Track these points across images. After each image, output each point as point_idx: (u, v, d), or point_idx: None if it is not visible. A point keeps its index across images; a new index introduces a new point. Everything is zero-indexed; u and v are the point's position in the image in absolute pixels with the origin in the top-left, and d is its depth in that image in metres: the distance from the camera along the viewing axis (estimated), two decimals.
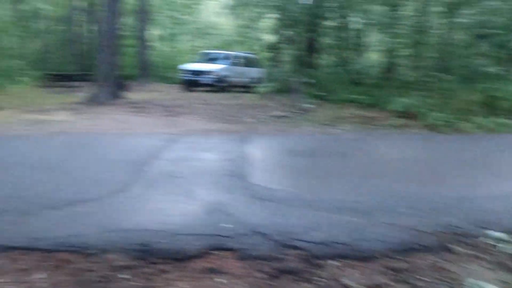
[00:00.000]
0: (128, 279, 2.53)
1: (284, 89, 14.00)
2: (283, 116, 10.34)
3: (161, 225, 3.26)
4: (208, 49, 23.64)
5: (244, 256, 2.84)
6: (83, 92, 16.38)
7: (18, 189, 4.10)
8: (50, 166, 4.98)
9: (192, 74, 18.28)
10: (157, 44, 28.22)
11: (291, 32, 17.39)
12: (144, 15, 22.09)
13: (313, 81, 13.37)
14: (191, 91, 17.92)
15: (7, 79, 20.54)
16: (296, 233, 3.16)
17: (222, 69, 18.15)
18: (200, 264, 2.75)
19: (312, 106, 11.58)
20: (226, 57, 19.58)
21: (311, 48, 16.85)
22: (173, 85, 20.38)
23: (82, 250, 2.85)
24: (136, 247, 2.89)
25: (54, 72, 23.78)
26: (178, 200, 3.88)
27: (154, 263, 2.72)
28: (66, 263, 2.71)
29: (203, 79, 17.84)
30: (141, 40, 22.30)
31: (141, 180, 4.43)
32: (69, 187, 4.19)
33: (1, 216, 3.43)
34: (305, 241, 3.03)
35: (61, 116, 9.77)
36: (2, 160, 5.26)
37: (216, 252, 2.89)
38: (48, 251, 2.86)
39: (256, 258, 2.80)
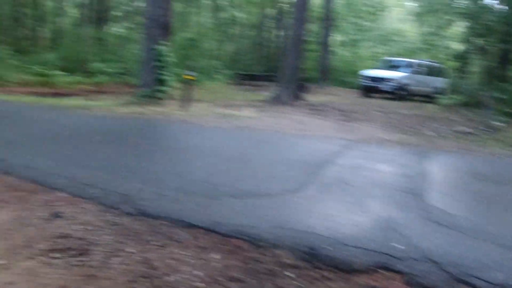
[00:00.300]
0: (292, 278, 2.62)
1: (470, 103, 12.85)
2: (468, 133, 9.35)
3: (330, 232, 3.29)
4: (390, 56, 22.92)
5: (412, 282, 2.65)
6: (267, 91, 17.72)
7: (207, 175, 4.68)
8: (234, 157, 5.55)
9: (372, 80, 18.01)
10: (338, 50, 28.76)
11: (483, 42, 15.84)
12: (328, 22, 22.72)
13: (504, 96, 11.80)
14: (369, 97, 17.68)
15: (205, 76, 23.81)
16: (473, 268, 2.81)
17: (403, 77, 17.43)
18: (364, 280, 2.67)
19: (502, 124, 10.21)
20: (409, 65, 18.67)
21: (505, 59, 15.05)
22: (351, 90, 20.40)
23: (254, 241, 3.07)
24: (304, 249, 2.98)
25: (244, 72, 26.36)
26: (349, 209, 3.86)
27: (319, 268, 2.76)
28: (239, 250, 2.97)
29: (383, 86, 17.48)
30: (324, 45, 22.98)
31: (315, 183, 4.55)
32: (249, 179, 4.59)
33: (191, 197, 3.98)
34: (483, 279, 2.68)
35: (247, 112, 10.68)
36: (198, 148, 6.10)
37: (382, 271, 2.77)
38: (225, 235, 3.18)
39: (424, 287, 2.62)
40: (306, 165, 5.28)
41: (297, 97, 13.60)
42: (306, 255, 2.89)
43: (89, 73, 18.27)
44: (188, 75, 10.17)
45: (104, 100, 12.36)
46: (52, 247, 2.98)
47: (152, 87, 10.74)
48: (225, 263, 2.77)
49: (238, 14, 30.24)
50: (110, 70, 18.04)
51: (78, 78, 17.16)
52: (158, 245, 3.04)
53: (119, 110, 9.43)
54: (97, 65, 18.04)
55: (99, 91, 16.13)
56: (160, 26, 10.74)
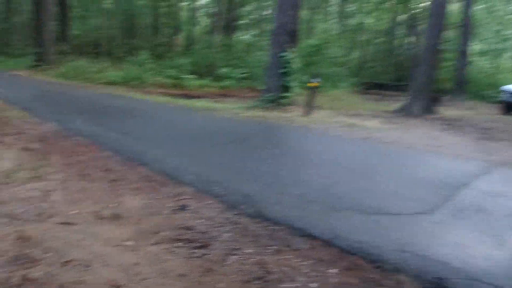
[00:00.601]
0: None
1: None
2: None
3: (461, 263, 2.98)
4: None
5: None
6: (396, 102, 17.00)
7: (328, 185, 4.63)
8: (358, 169, 5.40)
9: None
10: (476, 60, 26.34)
11: None
12: (466, 29, 20.88)
13: None
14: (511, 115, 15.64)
15: (329, 83, 23.75)
16: None
17: None
18: None
19: None
20: None
21: None
22: (490, 105, 18.40)
23: (375, 261, 2.93)
24: (430, 278, 2.76)
25: (370, 80, 25.63)
26: (484, 241, 3.46)
27: None
28: (358, 268, 2.85)
29: None
30: (461, 54, 21.15)
31: (447, 207, 4.19)
32: (373, 195, 4.42)
33: (311, 205, 3.97)
34: None
35: (372, 123, 10.23)
36: (319, 156, 6.09)
37: None
38: (344, 250, 3.09)
39: None
40: (438, 185, 4.88)
41: (429, 110, 12.73)
42: (431, 286, 2.67)
43: (217, 77, 19.53)
44: (312, 82, 10.22)
45: (230, 103, 13.08)
46: (176, 236, 3.23)
47: (276, 92, 11.04)
48: (342, 280, 2.71)
49: (367, 20, 29.58)
50: (236, 75, 19.06)
51: (206, 81, 18.50)
52: (274, 250, 3.09)
53: (243, 113, 9.88)
54: (224, 70, 19.22)
55: (225, 94, 17.16)
56: (288, 33, 11.01)
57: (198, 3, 36.76)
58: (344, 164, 5.66)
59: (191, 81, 18.00)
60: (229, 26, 25.89)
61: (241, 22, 28.39)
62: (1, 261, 2.72)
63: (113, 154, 5.47)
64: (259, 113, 10.09)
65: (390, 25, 33.62)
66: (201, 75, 19.72)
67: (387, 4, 33.94)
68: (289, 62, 10.96)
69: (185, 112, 9.78)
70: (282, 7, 11.03)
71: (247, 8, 28.59)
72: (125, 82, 16.36)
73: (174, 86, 17.43)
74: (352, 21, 29.16)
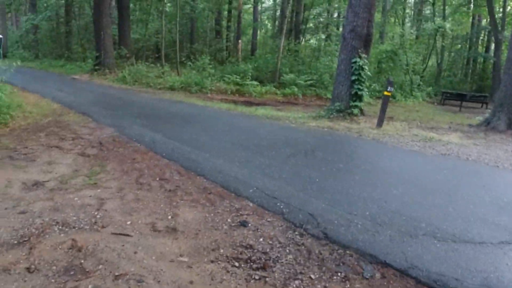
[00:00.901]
0: None
1: None
2: None
3: None
4: None
5: None
6: (476, 114, 16.03)
7: (403, 206, 4.36)
8: (436, 190, 5.06)
9: None
10: None
11: None
12: None
13: None
14: None
15: (402, 92, 23.09)
16: None
17: None
18: None
19: None
20: None
21: None
22: None
23: None
24: None
25: (448, 90, 24.54)
26: None
27: None
28: None
29: None
30: None
31: None
32: (453, 219, 4.09)
33: (384, 229, 3.73)
34: None
35: (452, 137, 9.78)
36: (392, 173, 5.80)
37: None
38: (421, 282, 2.89)
39: None
40: None
41: None
42: None
43: (281, 84, 19.53)
44: (388, 91, 9.88)
45: (294, 111, 12.99)
46: (234, 255, 3.16)
47: (345, 101, 10.80)
48: None
49: (446, 24, 28.37)
50: (301, 82, 18.94)
51: (269, 88, 18.54)
52: (342, 277, 2.96)
53: (309, 123, 9.75)
54: (289, 77, 19.17)
55: (289, 102, 17.10)
56: (361, 37, 10.74)
57: (261, 6, 37.29)
58: (420, 183, 5.34)
59: (254, 87, 18.12)
60: (295, 30, 25.89)
61: (307, 26, 28.35)
62: (53, 271, 2.78)
63: (170, 163, 5.56)
64: (326, 123, 9.90)
65: (470, 31, 32.18)
66: (263, 81, 19.83)
67: (467, 7, 32.61)
68: (361, 69, 10.68)
69: (247, 120, 9.79)
70: (354, 9, 10.78)
71: (314, 11, 28.49)
72: (185, 88, 16.80)
73: (236, 92, 17.65)
74: (429, 25, 28.07)
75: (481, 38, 33.75)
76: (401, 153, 7.23)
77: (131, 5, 27.66)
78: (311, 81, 19.54)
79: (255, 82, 18.58)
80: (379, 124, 9.96)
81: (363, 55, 10.78)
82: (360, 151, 7.30)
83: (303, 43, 26.96)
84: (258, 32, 34.13)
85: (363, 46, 10.84)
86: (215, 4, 28.20)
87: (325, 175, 5.32)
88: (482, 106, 21.84)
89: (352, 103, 10.79)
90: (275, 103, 16.46)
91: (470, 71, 32.82)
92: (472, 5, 32.13)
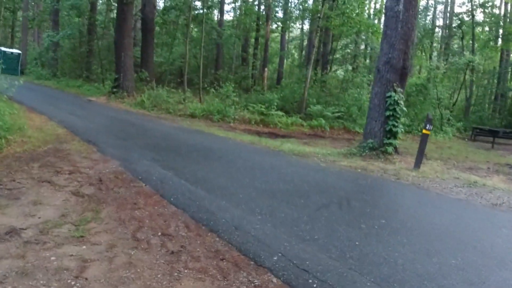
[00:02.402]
0: None
1: None
2: None
3: None
4: None
5: None
6: (509, 151, 14.89)
7: (468, 283, 3.29)
8: (501, 259, 3.95)
9: None
10: None
11: None
12: None
13: None
14: None
15: (434, 128, 21.93)
16: None
17: None
18: None
19: None
20: None
21: None
22: None
23: None
24: None
25: (479, 126, 23.58)
26: None
27: None
28: None
29: None
30: None
31: None
32: None
33: None
34: None
35: (495, 180, 8.84)
36: (447, 233, 4.68)
37: None
38: None
39: None
40: None
41: None
42: None
43: (306, 115, 18.58)
44: (427, 129, 8.80)
45: (322, 146, 12.00)
46: None
47: (379, 138, 9.74)
48: None
49: (475, 58, 27.35)
50: (328, 113, 17.96)
51: (295, 119, 17.59)
52: None
53: (340, 161, 8.69)
54: (316, 108, 18.22)
55: (316, 135, 16.11)
56: (396, 70, 9.74)
57: (289, 35, 36.84)
58: (481, 247, 4.21)
59: (279, 118, 17.19)
60: (322, 60, 25.09)
61: (335, 56, 27.57)
62: None
63: (178, 211, 4.58)
64: (358, 162, 8.84)
65: (499, 65, 31.23)
66: (289, 112, 18.92)
67: (495, 42, 31.66)
68: (396, 104, 9.64)
69: (272, 156, 8.78)
70: (390, 40, 9.82)
71: (342, 42, 27.73)
72: (207, 116, 15.97)
73: (260, 122, 16.74)
74: (458, 60, 27.13)
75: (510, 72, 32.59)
76: (447, 203, 6.12)
77: (157, 28, 27.45)
78: (339, 113, 18.54)
79: (280, 113, 17.67)
80: (417, 165, 8.85)
81: (399, 89, 9.77)
82: (402, 200, 6.19)
83: (330, 74, 26.11)
84: (285, 61, 33.47)
85: (398, 79, 9.84)
86: (243, 31, 27.69)
87: (366, 235, 4.25)
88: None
89: (386, 141, 9.72)
90: (301, 135, 15.49)
91: (499, 106, 31.66)
92: (500, 40, 31.31)
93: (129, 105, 16.67)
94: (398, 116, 9.77)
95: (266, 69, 24.86)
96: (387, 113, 9.69)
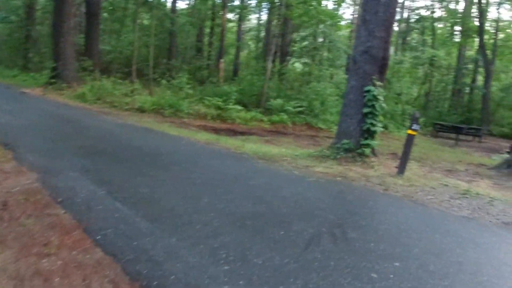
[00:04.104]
0: None
1: None
2: None
3: None
4: None
5: None
6: (474, 149, 14.41)
7: None
8: None
9: None
10: None
11: None
12: None
13: None
14: None
15: (394, 123, 21.33)
16: None
17: None
18: None
19: None
20: None
21: None
22: None
23: None
24: None
25: (440, 122, 23.39)
26: None
27: None
28: None
29: None
30: None
31: None
32: None
33: None
34: None
35: (483, 186, 8.03)
36: (452, 263, 3.47)
37: None
38: None
39: None
40: None
41: None
42: None
43: (266, 110, 17.25)
44: (413, 129, 7.67)
45: (287, 145, 10.74)
46: None
47: (355, 138, 8.54)
48: None
49: (439, 53, 27.10)
50: (290, 108, 16.67)
51: (254, 114, 16.19)
52: None
53: (314, 167, 7.40)
54: (276, 102, 16.90)
55: (278, 131, 14.81)
56: (376, 61, 8.55)
57: (245, 26, 35.38)
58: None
59: (237, 112, 15.72)
60: (281, 52, 23.76)
61: (294, 48, 26.33)
62: None
63: (107, 259, 3.09)
64: (335, 167, 7.61)
65: (457, 61, 31.33)
66: (248, 106, 17.50)
67: (453, 38, 31.75)
68: (375, 100, 8.47)
69: (234, 161, 7.33)
70: (369, 26, 8.59)
71: (302, 33, 26.44)
72: (157, 110, 14.28)
73: (217, 117, 15.22)
74: (420, 54, 26.76)
75: (470, 69, 32.75)
76: (455, 223, 4.98)
77: (106, 14, 25.24)
78: (301, 108, 17.32)
79: (239, 107, 16.22)
80: (401, 170, 7.73)
81: (378, 83, 8.60)
82: (405, 225, 4.85)
83: (289, 66, 24.89)
84: (241, 52, 31.96)
85: (377, 71, 8.67)
86: (197, 19, 25.92)
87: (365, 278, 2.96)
88: (474, 139, 21.11)
89: (363, 141, 8.53)
90: (262, 132, 14.14)
91: (456, 102, 31.79)
92: (458, 36, 31.39)
93: (69, 98, 14.58)
94: (377, 113, 8.57)
95: (222, 60, 23.24)
96: (365, 110, 8.50)
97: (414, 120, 7.75)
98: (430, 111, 28.52)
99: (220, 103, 15.90)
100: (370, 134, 8.61)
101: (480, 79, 33.36)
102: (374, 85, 8.52)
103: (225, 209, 4.38)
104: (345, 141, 8.59)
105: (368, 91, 8.47)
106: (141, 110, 13.98)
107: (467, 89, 32.43)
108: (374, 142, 8.72)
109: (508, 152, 13.15)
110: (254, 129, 14.51)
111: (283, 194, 5.29)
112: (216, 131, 12.59)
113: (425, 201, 5.93)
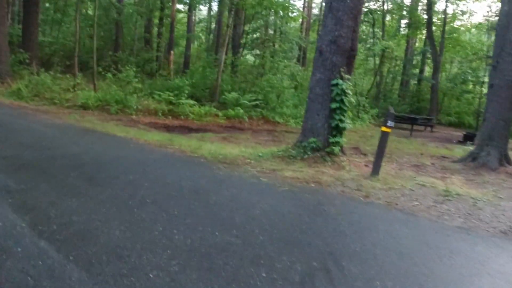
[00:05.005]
0: None
1: None
2: None
3: None
4: None
5: None
6: (426, 139, 14.06)
7: None
8: None
9: None
10: None
11: None
12: None
13: None
14: None
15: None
16: None
17: None
18: None
19: None
20: None
21: None
22: None
23: None
24: None
25: (394, 113, 23.22)
26: None
27: None
28: None
29: None
30: None
31: None
32: None
33: None
34: None
35: (457, 183, 7.33)
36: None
37: None
38: None
39: None
40: None
41: (507, 160, 9.75)
42: None
43: (221, 104, 16.16)
44: (387, 126, 6.90)
45: (246, 143, 9.76)
46: None
47: (323, 136, 7.71)
48: None
49: (390, 44, 26.98)
50: (245, 101, 15.66)
51: (208, 108, 15.05)
52: None
53: (282, 171, 6.44)
54: (231, 95, 15.84)
55: (234, 126, 13.80)
56: (344, 52, 7.73)
57: (195, 16, 33.92)
58: None
59: (190, 107, 14.53)
60: (233, 43, 22.63)
61: (246, 40, 25.27)
62: None
63: None
64: (305, 169, 6.73)
65: (406, 53, 31.63)
66: (201, 100, 16.34)
67: (404, 30, 31.95)
68: (344, 94, 7.65)
69: (192, 168, 6.21)
70: (336, 14, 7.73)
71: (253, 24, 25.41)
72: (102, 106, 12.85)
73: (168, 113, 13.96)
74: (372, 46, 26.50)
75: (416, 60, 33.09)
76: (454, 237, 4.26)
77: (47, 4, 23.13)
78: (256, 102, 16.36)
79: (192, 101, 15.03)
80: (376, 171, 6.98)
81: (346, 76, 7.79)
82: (403, 247, 4.01)
83: (242, 58, 23.83)
84: (192, 44, 30.49)
85: (345, 63, 7.85)
86: (146, 10, 24.20)
87: None
88: (425, 129, 21.20)
89: (332, 139, 7.71)
90: (218, 128, 13.08)
91: (405, 93, 32.10)
92: (405, 28, 31.58)
93: (2, 95, 12.75)
94: (345, 108, 7.80)
95: (172, 52, 21.80)
96: (333, 105, 7.67)
97: (389, 116, 6.99)
98: (382, 102, 28.44)
99: (171, 97, 14.64)
100: (339, 131, 7.81)
101: (427, 70, 33.83)
102: (342, 78, 7.72)
103: (185, 242, 3.33)
104: (312, 139, 7.74)
105: (336, 84, 7.66)
106: (84, 107, 12.50)
107: (413, 80, 32.85)
108: (343, 140, 7.94)
109: (472, 144, 12.88)
110: (209, 125, 13.42)
111: (254, 212, 4.29)
112: (168, 129, 11.41)
113: (412, 209, 5.18)
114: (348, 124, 7.92)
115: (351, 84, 7.98)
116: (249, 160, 7.12)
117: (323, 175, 6.46)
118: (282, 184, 5.66)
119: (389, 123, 6.90)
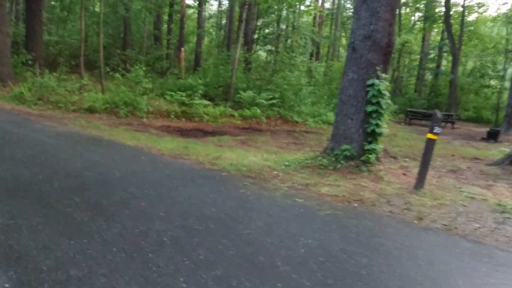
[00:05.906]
0: None
1: None
2: None
3: None
4: None
5: None
6: (451, 137, 13.90)
7: None
8: None
9: None
10: None
11: None
12: None
13: None
14: None
15: None
16: None
17: None
18: None
19: None
20: None
21: None
22: None
23: None
24: None
25: (412, 109, 22.46)
26: None
27: None
28: None
29: None
30: None
31: None
32: None
33: None
34: None
35: (504, 193, 6.51)
36: None
37: None
38: None
39: None
40: None
41: None
42: None
43: (236, 103, 15.29)
44: (433, 133, 5.98)
45: (267, 147, 8.93)
46: None
47: (358, 143, 6.85)
48: None
49: (410, 38, 25.99)
50: (263, 101, 14.77)
51: (223, 109, 14.20)
52: None
53: (317, 186, 5.58)
54: (247, 94, 14.95)
55: (251, 128, 12.95)
56: (380, 49, 6.82)
57: (205, 12, 33.05)
58: None
59: (204, 108, 13.68)
60: (246, 39, 21.71)
61: (259, 36, 24.35)
62: None
63: None
64: (341, 183, 5.88)
65: (422, 47, 30.56)
66: (214, 100, 15.49)
67: (420, 24, 30.92)
68: (380, 96, 6.76)
69: (213, 186, 5.30)
70: (372, 5, 6.81)
71: (268, 18, 24.45)
72: (111, 109, 12.05)
73: (181, 115, 13.12)
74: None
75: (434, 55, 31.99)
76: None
77: (52, 2, 22.40)
78: (273, 100, 15.47)
79: (205, 101, 14.18)
80: (421, 184, 6.09)
81: (383, 75, 6.89)
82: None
83: (255, 55, 22.93)
84: (203, 41, 29.61)
85: (382, 61, 6.95)
86: (154, 6, 23.34)
87: None
88: (446, 125, 20.29)
89: (367, 146, 6.84)
90: (235, 130, 12.24)
91: (420, 88, 31.08)
92: (423, 22, 30.51)
93: (3, 100, 11.90)
94: (382, 112, 6.91)
95: (182, 49, 20.94)
96: (369, 108, 6.78)
97: (436, 121, 6.06)
98: (399, 97, 27.44)
99: (184, 98, 13.80)
100: (375, 137, 6.93)
101: (444, 64, 32.72)
102: (378, 77, 6.82)
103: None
104: (345, 146, 6.87)
105: (372, 85, 6.77)
106: (91, 110, 11.71)
107: (430, 75, 31.80)
108: (379, 147, 7.04)
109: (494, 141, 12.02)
110: (225, 126, 12.60)
111: (298, 253, 3.41)
112: (182, 133, 10.59)
113: (475, 235, 4.36)
114: (385, 129, 7.02)
115: (388, 84, 7.08)
116: (276, 172, 6.27)
117: (364, 191, 5.59)
118: (321, 205, 4.79)
119: (436, 129, 5.98)
